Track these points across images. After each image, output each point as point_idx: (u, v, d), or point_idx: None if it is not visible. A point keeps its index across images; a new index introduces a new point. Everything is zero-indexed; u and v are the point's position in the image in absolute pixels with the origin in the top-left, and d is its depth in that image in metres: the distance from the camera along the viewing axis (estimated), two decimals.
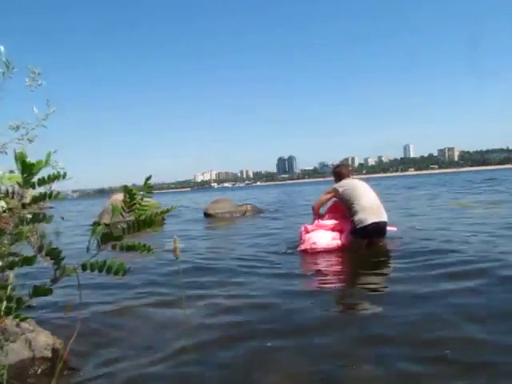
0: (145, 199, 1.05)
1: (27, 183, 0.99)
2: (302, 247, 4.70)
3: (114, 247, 1.05)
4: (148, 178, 1.05)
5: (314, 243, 4.64)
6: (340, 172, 5.01)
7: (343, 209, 4.81)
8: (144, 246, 1.07)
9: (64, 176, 1.04)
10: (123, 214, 1.04)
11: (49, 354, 1.97)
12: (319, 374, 1.86)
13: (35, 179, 1.00)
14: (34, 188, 1.02)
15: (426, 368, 1.84)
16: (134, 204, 1.04)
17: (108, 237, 1.03)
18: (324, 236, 4.73)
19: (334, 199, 4.96)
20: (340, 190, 4.72)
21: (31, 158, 1.05)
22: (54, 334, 2.13)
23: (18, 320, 1.07)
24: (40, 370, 1.92)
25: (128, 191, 1.03)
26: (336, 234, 4.75)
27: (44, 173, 1.05)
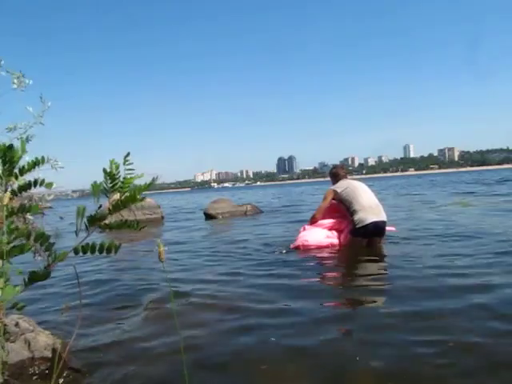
0: (127, 173, 1.04)
1: (9, 173, 0.98)
2: (295, 244, 4.79)
3: (103, 227, 1.05)
4: (127, 155, 1.04)
5: (306, 240, 4.72)
6: (337, 173, 5.05)
7: (341, 209, 4.83)
8: (130, 223, 1.07)
9: (43, 161, 1.04)
10: (107, 193, 1.04)
11: (49, 354, 1.96)
12: (320, 368, 1.86)
13: (16, 170, 1.01)
14: (16, 178, 1.02)
15: (429, 365, 1.84)
16: (116, 184, 1.04)
17: (94, 218, 1.03)
18: (317, 234, 4.77)
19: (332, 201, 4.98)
20: (339, 190, 4.74)
21: (30, 157, 1.05)
22: (54, 334, 2.13)
23: (15, 309, 1.07)
24: (40, 370, 1.91)
25: (108, 173, 1.03)
26: (331, 233, 4.78)
27: (40, 174, 1.05)
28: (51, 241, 1.03)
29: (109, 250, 1.04)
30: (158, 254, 1.23)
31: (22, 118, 1.08)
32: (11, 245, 1.00)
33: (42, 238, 1.01)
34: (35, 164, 1.04)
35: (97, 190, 1.03)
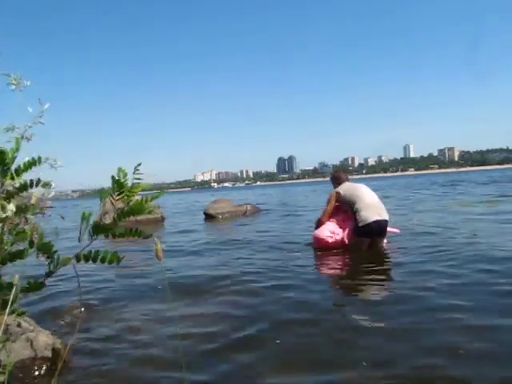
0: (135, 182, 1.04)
1: (3, 174, 0.98)
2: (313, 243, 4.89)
3: (106, 235, 1.05)
4: (138, 165, 1.05)
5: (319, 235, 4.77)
6: (339, 176, 5.15)
7: (345, 211, 4.87)
8: (136, 231, 1.06)
9: (39, 160, 1.03)
10: (113, 201, 1.03)
11: (49, 353, 1.97)
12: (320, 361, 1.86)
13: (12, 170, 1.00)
14: (12, 179, 1.01)
15: (431, 363, 1.84)
16: (123, 192, 1.03)
17: (99, 228, 1.03)
18: (325, 228, 4.82)
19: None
20: (342, 192, 4.83)
21: (29, 157, 1.05)
22: (54, 334, 2.13)
23: (15, 315, 1.07)
24: (40, 370, 1.91)
25: (116, 181, 1.02)
26: (338, 229, 4.80)
27: (40, 175, 1.05)
28: (51, 240, 1.03)
29: (111, 262, 1.03)
30: (155, 253, 1.23)
31: (20, 117, 1.07)
32: (13, 249, 1.00)
33: (46, 246, 1.01)
34: (32, 164, 1.04)
35: (104, 196, 1.03)
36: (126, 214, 1.03)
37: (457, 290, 2.91)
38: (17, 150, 1.02)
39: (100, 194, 1.03)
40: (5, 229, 1.00)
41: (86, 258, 1.03)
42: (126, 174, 1.04)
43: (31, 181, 1.03)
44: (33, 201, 1.02)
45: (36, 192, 1.03)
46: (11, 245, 1.00)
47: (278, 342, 2.21)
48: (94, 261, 1.03)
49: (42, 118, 1.05)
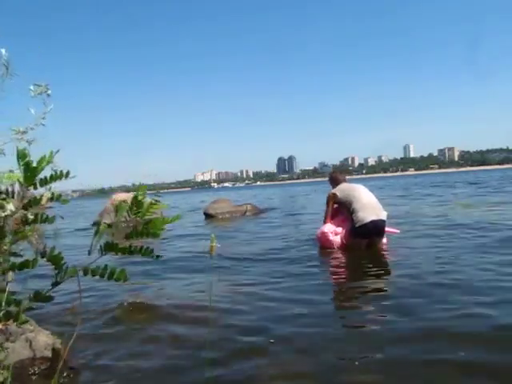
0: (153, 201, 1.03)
1: (29, 182, 0.98)
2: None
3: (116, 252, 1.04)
4: (158, 192, 1.05)
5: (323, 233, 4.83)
6: (336, 177, 5.19)
7: (343, 212, 4.89)
8: (147, 250, 1.06)
9: (67, 175, 1.03)
10: (128, 216, 1.03)
11: (49, 354, 1.97)
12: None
13: (37, 179, 1.00)
14: (35, 188, 1.01)
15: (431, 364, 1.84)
16: (140, 211, 1.03)
17: (111, 247, 1.02)
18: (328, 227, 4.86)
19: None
20: (338, 192, 4.87)
21: (31, 158, 1.05)
22: (54, 334, 2.13)
23: (18, 323, 1.06)
24: (40, 370, 1.91)
25: (136, 199, 1.02)
26: (339, 229, 4.83)
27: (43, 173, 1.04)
28: (61, 252, 1.03)
29: (118, 279, 1.03)
30: (209, 248, 1.28)
31: (23, 118, 1.07)
32: (12, 249, 1.00)
33: (56, 258, 1.01)
34: (57, 178, 1.03)
35: (121, 212, 1.02)
36: (140, 234, 1.02)
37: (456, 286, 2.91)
38: (49, 161, 1.00)
39: (119, 208, 1.02)
40: (7, 229, 1.00)
41: (94, 273, 1.02)
42: (145, 193, 1.03)
43: (53, 194, 1.03)
44: (43, 201, 1.03)
45: (46, 193, 1.03)
46: (11, 244, 1.00)
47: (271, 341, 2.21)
48: (102, 276, 1.02)
49: (45, 119, 1.05)
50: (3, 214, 0.98)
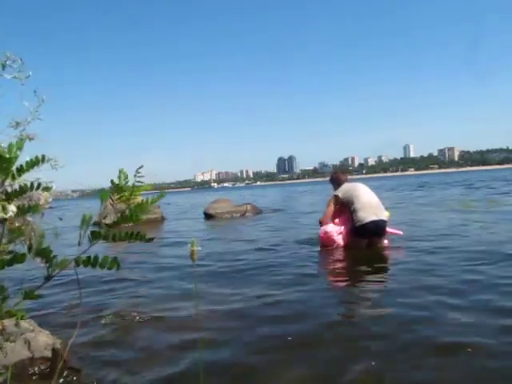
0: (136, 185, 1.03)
1: (4, 173, 0.96)
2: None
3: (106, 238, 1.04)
4: (140, 167, 1.04)
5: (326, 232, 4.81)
6: (338, 178, 5.15)
7: (345, 212, 4.88)
8: (137, 235, 1.05)
9: (43, 159, 1.02)
10: (113, 205, 1.03)
11: (49, 354, 1.96)
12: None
13: (13, 169, 0.98)
14: (14, 179, 1.00)
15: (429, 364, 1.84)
16: (123, 196, 1.03)
17: (97, 235, 1.02)
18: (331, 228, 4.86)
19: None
20: (340, 194, 4.85)
21: (29, 156, 1.04)
22: (54, 334, 2.13)
23: (16, 319, 1.06)
24: (40, 370, 1.91)
25: (116, 185, 1.02)
26: (341, 228, 4.83)
27: (40, 174, 1.04)
28: (49, 245, 1.03)
29: (110, 268, 1.03)
30: (190, 254, 1.23)
31: (19, 116, 1.07)
32: (9, 248, 0.99)
33: (45, 251, 1.00)
34: (34, 164, 1.02)
35: (104, 198, 1.02)
36: (127, 218, 1.02)
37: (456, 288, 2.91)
38: (20, 147, 0.99)
39: (100, 195, 1.02)
40: (5, 230, 0.99)
41: (85, 263, 1.02)
42: (126, 176, 1.03)
43: (31, 184, 1.02)
44: (42, 201, 1.02)
45: (45, 193, 1.02)
46: (7, 243, 0.99)
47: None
48: (94, 266, 1.02)
49: (40, 114, 1.04)
50: (6, 216, 0.97)
